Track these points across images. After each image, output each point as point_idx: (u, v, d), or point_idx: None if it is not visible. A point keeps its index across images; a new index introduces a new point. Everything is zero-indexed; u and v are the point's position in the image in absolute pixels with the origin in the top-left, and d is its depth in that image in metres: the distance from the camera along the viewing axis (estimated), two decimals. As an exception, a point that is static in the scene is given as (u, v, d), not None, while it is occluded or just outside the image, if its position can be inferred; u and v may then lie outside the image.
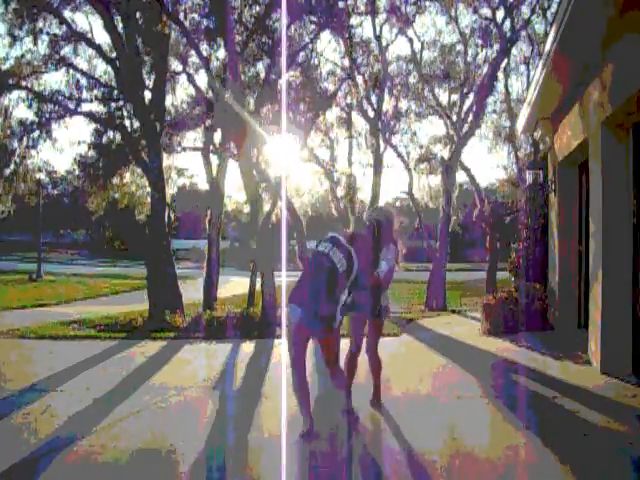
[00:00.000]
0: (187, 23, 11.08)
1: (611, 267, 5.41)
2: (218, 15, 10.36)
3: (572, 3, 4.73)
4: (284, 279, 4.86)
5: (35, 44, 11.75)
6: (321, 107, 12.75)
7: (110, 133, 12.92)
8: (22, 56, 11.89)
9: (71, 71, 12.25)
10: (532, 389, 5.13)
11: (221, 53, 12.10)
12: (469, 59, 15.04)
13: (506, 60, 14.57)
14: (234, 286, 16.45)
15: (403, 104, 15.84)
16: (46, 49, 11.96)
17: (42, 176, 18.13)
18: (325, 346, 3.94)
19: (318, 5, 10.73)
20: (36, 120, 12.15)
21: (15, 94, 12.14)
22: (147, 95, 11.38)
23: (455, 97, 15.85)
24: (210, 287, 12.37)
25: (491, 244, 14.51)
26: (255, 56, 11.55)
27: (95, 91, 12.55)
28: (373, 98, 14.89)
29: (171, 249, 11.69)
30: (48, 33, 11.81)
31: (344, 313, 4.01)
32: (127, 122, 12.62)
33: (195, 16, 11.38)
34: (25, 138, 12.34)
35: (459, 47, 15.22)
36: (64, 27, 11.68)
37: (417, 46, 14.97)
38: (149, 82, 11.76)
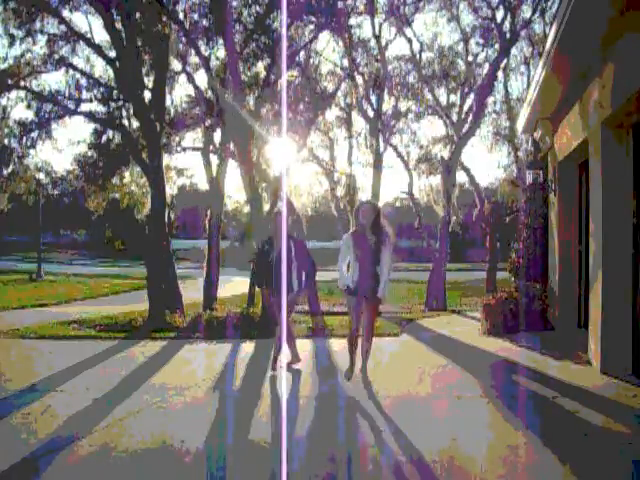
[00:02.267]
0: (187, 23, 11.09)
1: (611, 267, 5.41)
2: (218, 15, 10.36)
3: (572, 3, 4.72)
4: (284, 279, 4.86)
5: (34, 44, 11.77)
6: (321, 107, 12.75)
7: (110, 133, 12.92)
8: (21, 56, 11.90)
9: (70, 71, 12.26)
10: (532, 389, 5.12)
11: (221, 53, 12.12)
12: (469, 59, 15.06)
13: (506, 60, 14.59)
14: (234, 286, 16.44)
15: (403, 104, 15.85)
16: (45, 49, 11.98)
17: (42, 176, 18.09)
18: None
19: (318, 5, 10.73)
20: (35, 120, 12.15)
21: (14, 94, 12.17)
22: (147, 95, 11.38)
23: (455, 97, 15.87)
24: (210, 287, 12.37)
25: (491, 244, 14.52)
26: (255, 56, 11.56)
27: (95, 91, 12.55)
28: (373, 98, 14.89)
29: (171, 249, 11.68)
30: (47, 33, 11.82)
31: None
32: (127, 122, 12.62)
33: (195, 16, 11.39)
34: (24, 138, 12.35)
35: (459, 47, 15.26)
36: (63, 27, 11.67)
37: (417, 46, 14.99)
38: (149, 82, 11.76)
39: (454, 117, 15.22)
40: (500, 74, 14.76)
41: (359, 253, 5.23)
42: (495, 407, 4.61)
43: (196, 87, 13.06)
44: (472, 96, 14.72)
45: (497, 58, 13.65)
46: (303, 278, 5.81)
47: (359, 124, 15.90)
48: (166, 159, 12.72)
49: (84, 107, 12.63)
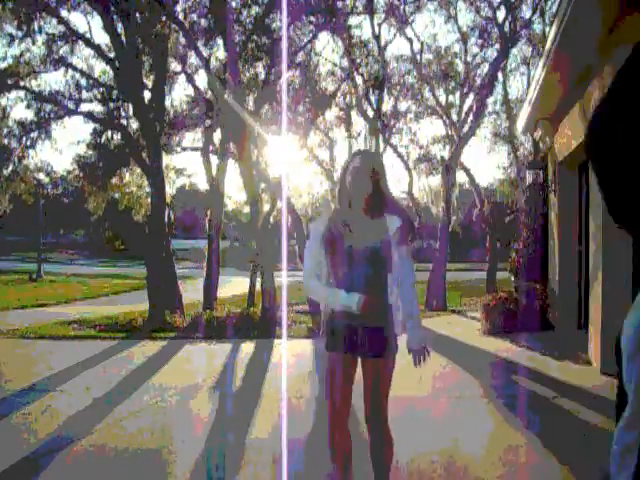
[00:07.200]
0: (187, 23, 11.08)
1: (611, 267, 5.41)
2: (217, 15, 10.36)
3: (572, 3, 4.72)
4: (284, 279, 4.86)
5: (33, 44, 11.76)
6: (320, 107, 12.74)
7: (110, 133, 12.92)
8: (20, 55, 11.88)
9: (70, 71, 12.25)
10: (532, 389, 5.13)
11: (221, 53, 12.12)
12: (469, 59, 15.06)
13: (506, 60, 14.57)
14: (234, 286, 16.43)
15: (403, 104, 15.86)
16: (44, 49, 11.96)
17: (42, 176, 18.12)
18: None
19: (317, 5, 10.73)
20: (35, 120, 12.15)
21: (13, 94, 12.17)
22: (147, 95, 11.38)
23: (455, 97, 15.87)
24: (210, 287, 12.37)
25: (491, 244, 14.51)
26: (254, 56, 11.56)
27: (94, 91, 12.54)
28: (372, 98, 14.89)
29: (171, 249, 11.68)
30: (47, 33, 11.81)
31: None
32: (127, 122, 12.62)
33: (194, 16, 11.39)
34: (24, 138, 12.35)
35: (459, 47, 15.25)
36: (62, 27, 11.66)
37: (417, 46, 14.99)
38: (149, 82, 11.76)
39: (454, 117, 15.21)
40: (500, 74, 14.76)
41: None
42: (495, 407, 4.61)
43: (196, 87, 13.07)
44: (472, 96, 14.72)
45: (497, 58, 13.65)
46: None
47: (359, 124, 15.91)
48: (166, 159, 12.72)
49: (84, 107, 12.65)
